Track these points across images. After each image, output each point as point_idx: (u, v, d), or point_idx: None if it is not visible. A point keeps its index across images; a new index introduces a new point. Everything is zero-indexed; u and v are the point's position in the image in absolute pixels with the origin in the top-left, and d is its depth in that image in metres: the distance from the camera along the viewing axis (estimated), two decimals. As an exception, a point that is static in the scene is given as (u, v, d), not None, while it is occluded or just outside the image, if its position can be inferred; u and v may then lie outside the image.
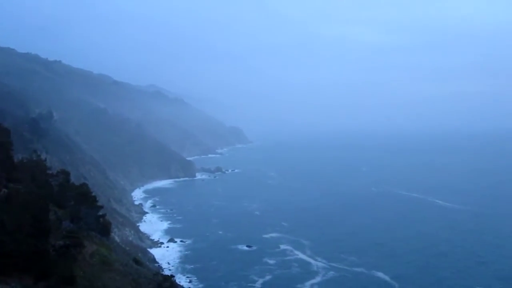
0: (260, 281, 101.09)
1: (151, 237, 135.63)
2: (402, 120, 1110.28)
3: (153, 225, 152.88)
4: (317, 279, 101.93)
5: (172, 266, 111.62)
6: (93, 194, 69.93)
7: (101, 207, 71.60)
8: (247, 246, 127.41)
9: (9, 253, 38.67)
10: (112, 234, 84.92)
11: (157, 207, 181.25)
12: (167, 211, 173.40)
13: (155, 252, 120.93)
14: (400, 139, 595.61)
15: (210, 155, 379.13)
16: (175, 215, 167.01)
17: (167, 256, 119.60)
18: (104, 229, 68.76)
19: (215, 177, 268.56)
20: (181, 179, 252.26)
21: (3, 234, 39.23)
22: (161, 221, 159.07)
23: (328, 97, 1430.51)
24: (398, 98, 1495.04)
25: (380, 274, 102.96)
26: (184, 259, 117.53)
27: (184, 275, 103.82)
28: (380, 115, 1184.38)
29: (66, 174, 72.68)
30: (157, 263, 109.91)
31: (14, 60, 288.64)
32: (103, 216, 70.76)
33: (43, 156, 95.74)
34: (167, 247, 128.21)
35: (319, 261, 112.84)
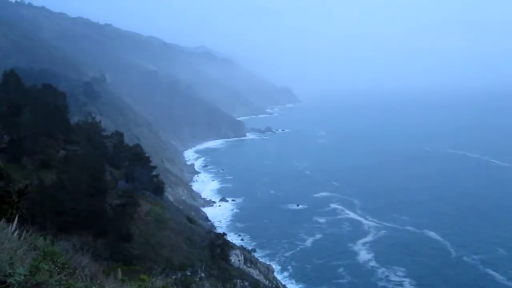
0: (311, 239, 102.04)
1: (203, 196, 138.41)
2: (457, 77, 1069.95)
3: (205, 184, 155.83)
4: (369, 237, 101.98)
5: (224, 224, 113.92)
6: (146, 154, 71.63)
7: (155, 167, 73.39)
8: (297, 205, 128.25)
9: (69, 211, 40.43)
10: (166, 193, 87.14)
11: (209, 167, 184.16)
12: (218, 170, 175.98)
13: (207, 211, 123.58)
14: (454, 98, 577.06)
15: (259, 115, 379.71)
16: (226, 174, 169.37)
17: (219, 214, 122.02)
18: (158, 189, 70.65)
19: (265, 136, 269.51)
20: (232, 139, 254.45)
21: (63, 194, 40.96)
22: (213, 180, 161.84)
23: (381, 52, 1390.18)
24: (453, 55, 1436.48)
25: (432, 234, 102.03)
26: (236, 218, 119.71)
27: (236, 233, 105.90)
28: (432, 72, 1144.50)
29: (120, 135, 74.60)
30: (210, 221, 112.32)
31: (67, 25, 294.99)
32: (157, 176, 72.59)
33: (97, 118, 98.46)
34: (219, 206, 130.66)
35: (370, 220, 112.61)
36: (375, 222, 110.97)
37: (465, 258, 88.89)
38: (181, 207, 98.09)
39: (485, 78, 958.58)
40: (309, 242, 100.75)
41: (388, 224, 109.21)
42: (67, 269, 11.21)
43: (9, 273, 6.55)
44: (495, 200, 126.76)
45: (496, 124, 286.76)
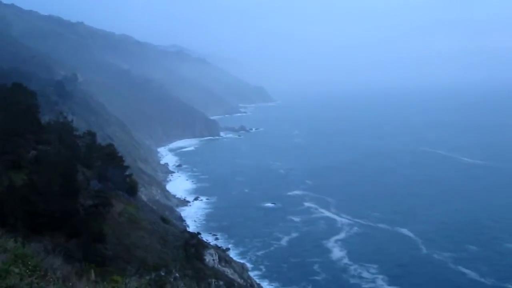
0: (286, 238, 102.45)
1: (177, 196, 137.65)
2: (431, 76, 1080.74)
3: (179, 184, 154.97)
4: (342, 235, 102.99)
5: (199, 223, 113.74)
6: (120, 154, 70.91)
7: (128, 167, 72.67)
8: (272, 203, 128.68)
9: (41, 212, 39.80)
10: (139, 193, 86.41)
11: (183, 166, 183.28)
12: (192, 169, 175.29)
13: (181, 210, 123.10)
14: (426, 97, 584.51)
15: (233, 114, 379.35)
16: (200, 173, 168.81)
17: (193, 214, 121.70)
18: (131, 189, 69.97)
19: (239, 136, 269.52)
20: (206, 138, 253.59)
21: (34, 195, 40.31)
22: (187, 179, 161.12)
23: (354, 57, 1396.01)
24: (424, 54, 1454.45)
25: (404, 231, 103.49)
26: (210, 217, 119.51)
27: (210, 232, 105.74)
28: (408, 72, 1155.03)
29: (92, 135, 73.66)
30: (184, 221, 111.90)
31: (38, 23, 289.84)
32: (130, 175, 71.90)
33: (69, 118, 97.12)
34: (194, 205, 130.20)
35: (344, 218, 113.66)
36: (349, 220, 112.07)
37: (435, 256, 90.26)
38: (154, 207, 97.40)
39: (476, 78, 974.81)
40: (284, 241, 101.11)
41: (361, 221, 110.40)
42: (38, 272, 11.08)
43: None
44: (457, 195, 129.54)
45: (480, 124, 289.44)
